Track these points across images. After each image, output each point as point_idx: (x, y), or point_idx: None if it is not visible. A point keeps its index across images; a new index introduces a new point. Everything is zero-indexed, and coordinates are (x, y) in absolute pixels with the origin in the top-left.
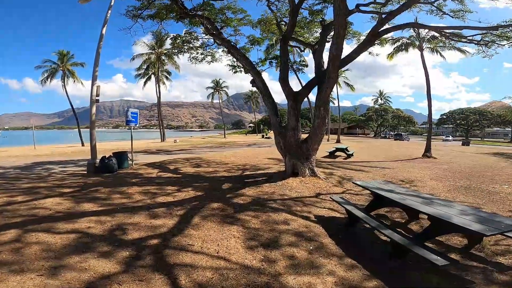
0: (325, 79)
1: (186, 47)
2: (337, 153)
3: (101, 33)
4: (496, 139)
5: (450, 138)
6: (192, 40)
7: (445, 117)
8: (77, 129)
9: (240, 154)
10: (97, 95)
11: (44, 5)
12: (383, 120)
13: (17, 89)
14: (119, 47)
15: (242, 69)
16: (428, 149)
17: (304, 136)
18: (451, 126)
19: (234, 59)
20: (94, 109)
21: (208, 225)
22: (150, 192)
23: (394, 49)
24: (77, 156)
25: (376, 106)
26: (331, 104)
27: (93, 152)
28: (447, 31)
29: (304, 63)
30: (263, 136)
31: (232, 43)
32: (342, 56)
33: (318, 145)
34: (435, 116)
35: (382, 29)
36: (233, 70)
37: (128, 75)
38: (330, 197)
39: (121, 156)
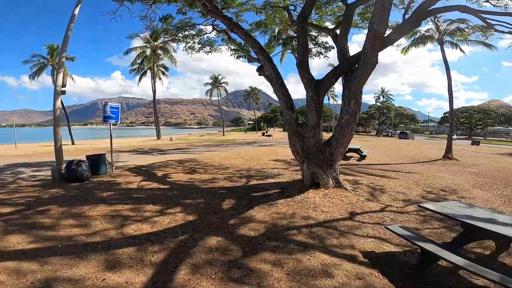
0: (353, 66)
1: (181, 35)
2: (348, 154)
3: (72, 13)
4: (497, 137)
5: (455, 137)
6: (188, 27)
7: (448, 115)
8: (74, 126)
9: (241, 154)
10: (63, 86)
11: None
12: (386, 118)
13: (14, 86)
14: (117, 44)
15: (246, 56)
16: (449, 150)
17: (325, 135)
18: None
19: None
20: (59, 102)
21: (203, 286)
22: (121, 215)
23: (412, 41)
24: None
25: (378, 103)
26: (331, 101)
27: (58, 156)
28: (497, 18)
29: (328, 45)
30: (263, 134)
31: (235, 22)
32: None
33: (345, 148)
34: (433, 115)
35: (431, 7)
36: (235, 55)
37: (126, 73)
38: (386, 227)
39: (97, 160)
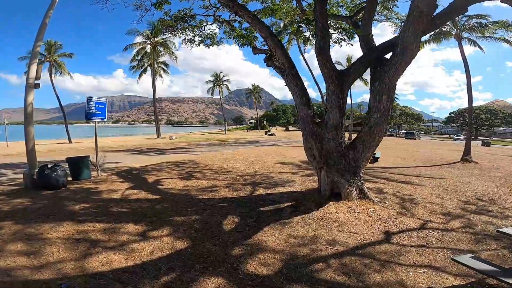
0: (384, 55)
1: (180, 27)
2: None
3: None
4: (503, 138)
5: (461, 137)
6: (187, 18)
7: (453, 115)
8: (77, 124)
9: (244, 155)
10: (37, 78)
11: None
12: (390, 118)
13: (17, 84)
14: (119, 42)
15: (250, 45)
16: (467, 152)
17: (347, 136)
18: (457, 125)
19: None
20: (31, 97)
21: None
22: (88, 238)
23: (431, 36)
24: (51, 156)
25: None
26: None
27: (31, 159)
28: None
29: (352, 31)
30: (266, 133)
31: (239, 3)
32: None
33: (372, 153)
34: (436, 115)
35: None
36: (240, 41)
37: (128, 71)
38: (453, 259)
39: (78, 163)
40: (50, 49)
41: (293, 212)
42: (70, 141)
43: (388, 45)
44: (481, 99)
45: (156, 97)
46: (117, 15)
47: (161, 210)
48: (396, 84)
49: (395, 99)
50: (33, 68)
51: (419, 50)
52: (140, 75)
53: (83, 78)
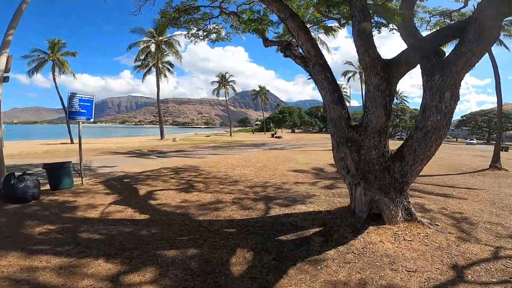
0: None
1: (182, 20)
2: None
3: None
4: None
5: (475, 141)
6: (191, 10)
7: (465, 118)
8: (84, 124)
9: (252, 161)
10: (7, 70)
11: None
12: (400, 121)
13: (26, 84)
14: (126, 43)
15: (260, 36)
16: (497, 159)
17: (390, 144)
18: (468, 128)
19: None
20: None
21: None
22: (33, 280)
23: None
24: (48, 158)
25: (392, 105)
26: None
27: None
28: None
29: (398, 12)
30: (272, 135)
31: None
32: None
33: (424, 165)
34: None
35: None
36: (252, 27)
37: (135, 72)
38: None
39: (56, 170)
40: (53, 48)
41: (325, 243)
42: (72, 142)
43: (453, 31)
44: (489, 102)
45: (162, 98)
46: (123, 16)
47: (147, 238)
48: (462, 79)
49: (405, 101)
50: (3, 59)
51: (498, 37)
52: (144, 75)
53: (91, 79)
